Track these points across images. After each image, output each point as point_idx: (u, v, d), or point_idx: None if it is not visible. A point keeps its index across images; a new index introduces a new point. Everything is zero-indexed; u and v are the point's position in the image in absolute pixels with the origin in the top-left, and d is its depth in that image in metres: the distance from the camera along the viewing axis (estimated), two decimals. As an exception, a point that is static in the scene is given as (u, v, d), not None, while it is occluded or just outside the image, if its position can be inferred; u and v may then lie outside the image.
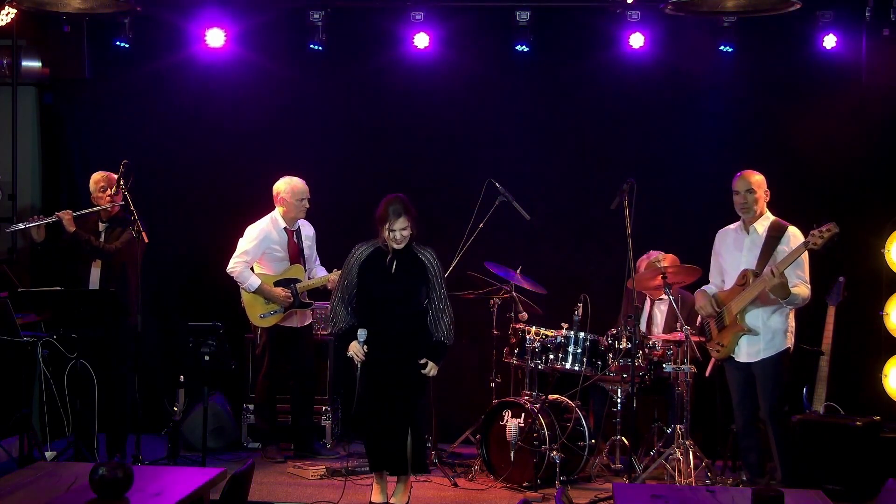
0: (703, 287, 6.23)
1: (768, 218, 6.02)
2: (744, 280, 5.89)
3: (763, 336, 5.91)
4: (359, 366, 5.66)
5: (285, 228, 7.07)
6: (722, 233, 6.23)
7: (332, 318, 5.85)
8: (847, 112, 7.46)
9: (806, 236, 5.66)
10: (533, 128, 7.93)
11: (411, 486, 5.96)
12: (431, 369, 5.73)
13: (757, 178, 6.00)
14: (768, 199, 6.04)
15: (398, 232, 5.65)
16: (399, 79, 7.91)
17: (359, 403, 5.68)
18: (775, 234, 5.90)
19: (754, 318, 5.91)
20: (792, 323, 6.00)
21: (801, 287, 5.79)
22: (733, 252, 6.08)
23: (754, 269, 5.87)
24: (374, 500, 5.83)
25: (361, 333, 5.66)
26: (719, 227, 7.47)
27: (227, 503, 3.90)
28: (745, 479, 6.12)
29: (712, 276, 6.27)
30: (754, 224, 6.01)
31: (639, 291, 6.59)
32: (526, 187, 7.42)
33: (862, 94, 7.37)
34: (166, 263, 7.99)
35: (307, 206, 7.06)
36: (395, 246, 5.68)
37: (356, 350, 5.66)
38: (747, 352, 5.95)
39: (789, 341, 5.97)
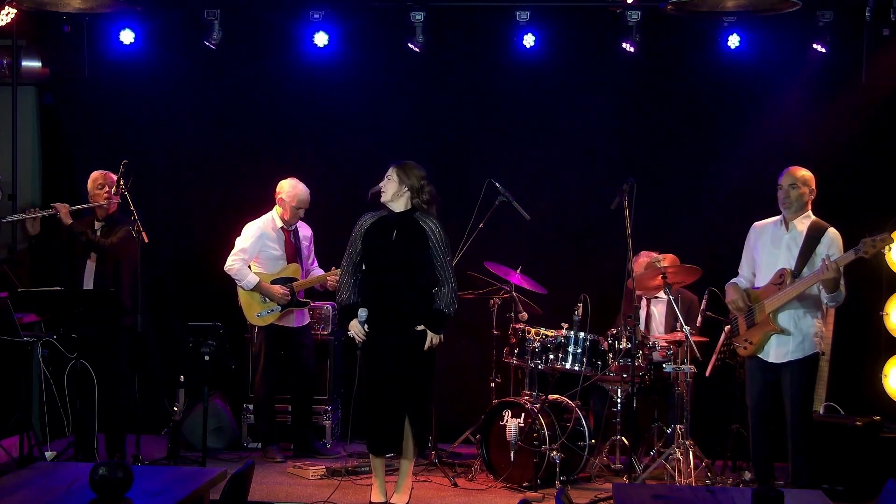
0: (734, 280, 6.03)
1: (809, 217, 5.84)
2: (780, 279, 5.71)
3: (794, 338, 5.74)
4: (360, 346, 5.71)
5: (282, 228, 7.10)
6: (759, 226, 6.02)
7: (338, 289, 5.93)
8: (847, 112, 7.45)
9: (856, 242, 5.48)
10: (533, 127, 7.92)
11: (411, 486, 5.96)
12: (432, 338, 5.72)
13: (802, 175, 5.84)
14: (814, 197, 5.87)
15: (383, 181, 5.75)
16: (398, 78, 7.91)
17: (360, 385, 5.71)
18: (814, 235, 5.74)
19: (786, 319, 5.74)
20: (822, 326, 5.85)
21: (841, 287, 5.65)
22: (770, 248, 5.89)
23: (792, 268, 5.71)
24: (373, 500, 5.83)
25: (362, 314, 5.69)
26: (719, 228, 7.43)
27: (227, 503, 3.90)
28: (748, 478, 6.09)
29: (743, 269, 6.06)
30: (794, 221, 5.84)
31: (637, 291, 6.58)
32: (526, 187, 7.42)
33: (862, 94, 7.36)
34: (166, 263, 8.00)
35: (301, 215, 7.14)
36: (381, 199, 5.76)
37: (357, 330, 5.71)
38: (776, 352, 5.78)
39: (818, 346, 5.81)
